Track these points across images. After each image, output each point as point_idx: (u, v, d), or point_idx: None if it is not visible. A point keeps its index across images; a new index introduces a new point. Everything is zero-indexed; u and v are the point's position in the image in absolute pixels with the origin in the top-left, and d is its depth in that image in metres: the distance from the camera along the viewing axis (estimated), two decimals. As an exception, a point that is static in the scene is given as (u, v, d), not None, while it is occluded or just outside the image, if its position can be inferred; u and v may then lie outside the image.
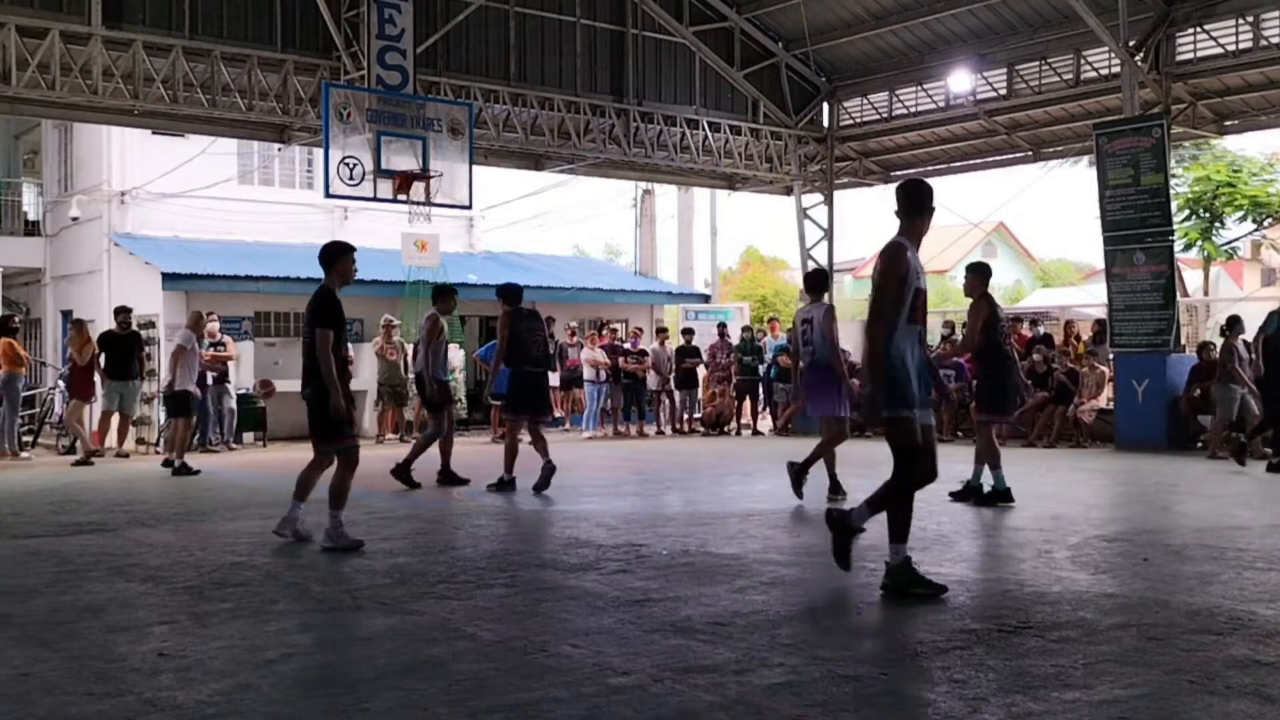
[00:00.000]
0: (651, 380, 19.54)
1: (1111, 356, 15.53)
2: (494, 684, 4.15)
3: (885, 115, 19.82)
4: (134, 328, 15.69)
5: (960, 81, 18.12)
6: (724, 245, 50.06)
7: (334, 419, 7.27)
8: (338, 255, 7.60)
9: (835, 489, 9.34)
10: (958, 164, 20.60)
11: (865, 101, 20.09)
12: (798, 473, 9.44)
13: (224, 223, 20.96)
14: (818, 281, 9.93)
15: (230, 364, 16.69)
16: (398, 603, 5.67)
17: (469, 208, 17.45)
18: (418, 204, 15.67)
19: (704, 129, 19.17)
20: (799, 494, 9.27)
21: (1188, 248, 26.73)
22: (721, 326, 20.51)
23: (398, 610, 5.51)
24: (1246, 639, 4.67)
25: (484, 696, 4.00)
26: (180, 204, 20.62)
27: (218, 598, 5.77)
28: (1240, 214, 26.46)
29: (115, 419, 15.51)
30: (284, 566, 6.72)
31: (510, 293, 10.55)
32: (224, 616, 5.33)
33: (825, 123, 20.60)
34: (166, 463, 13.18)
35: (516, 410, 10.61)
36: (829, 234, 20.57)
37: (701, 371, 20.03)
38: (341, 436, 7.41)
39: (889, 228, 5.85)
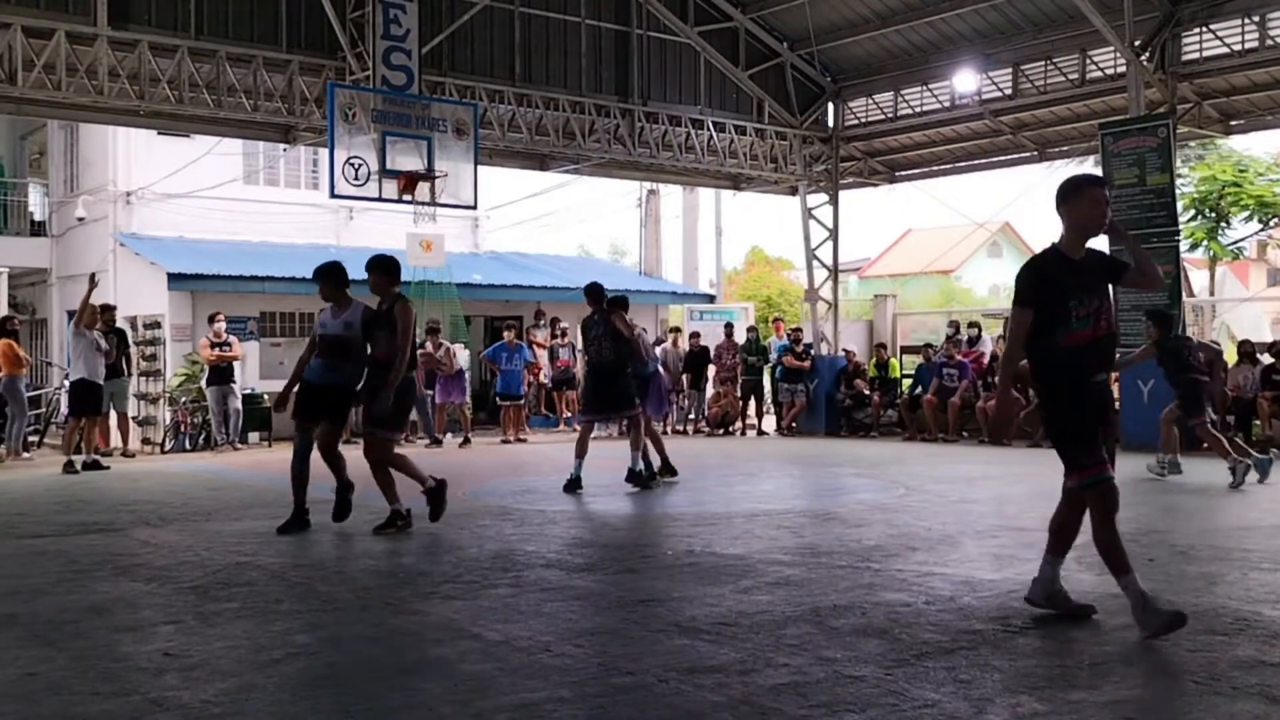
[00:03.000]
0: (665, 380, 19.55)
1: (1116, 356, 15.50)
2: (499, 684, 4.15)
3: (890, 115, 19.80)
4: (118, 325, 15.77)
5: (965, 81, 18.10)
6: (729, 245, 50.11)
7: (1067, 439, 4.93)
8: (1072, 191, 5.12)
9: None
10: (963, 164, 20.57)
11: (870, 101, 20.06)
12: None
13: (229, 223, 20.98)
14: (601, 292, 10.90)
15: (236, 364, 16.71)
16: (403, 602, 5.67)
17: (474, 208, 17.45)
18: (423, 204, 15.68)
19: (709, 129, 19.16)
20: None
21: (1193, 248, 26.67)
22: (728, 327, 20.52)
23: (403, 610, 5.51)
24: (1252, 639, 4.66)
25: (489, 696, 4.00)
26: (186, 204, 20.64)
27: (223, 597, 5.78)
28: (1246, 214, 26.38)
29: (114, 419, 15.58)
30: (289, 566, 6.73)
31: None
32: (229, 616, 5.34)
33: (830, 123, 20.57)
34: (69, 465, 13.12)
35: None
36: (834, 234, 20.55)
37: (710, 370, 20.05)
38: (1086, 462, 5.07)
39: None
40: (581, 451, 10.52)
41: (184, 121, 15.92)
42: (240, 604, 5.61)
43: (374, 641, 4.91)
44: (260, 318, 19.51)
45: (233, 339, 16.68)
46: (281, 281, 18.86)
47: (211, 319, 16.53)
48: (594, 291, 10.87)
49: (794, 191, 20.95)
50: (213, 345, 16.29)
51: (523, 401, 18.32)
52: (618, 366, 10.65)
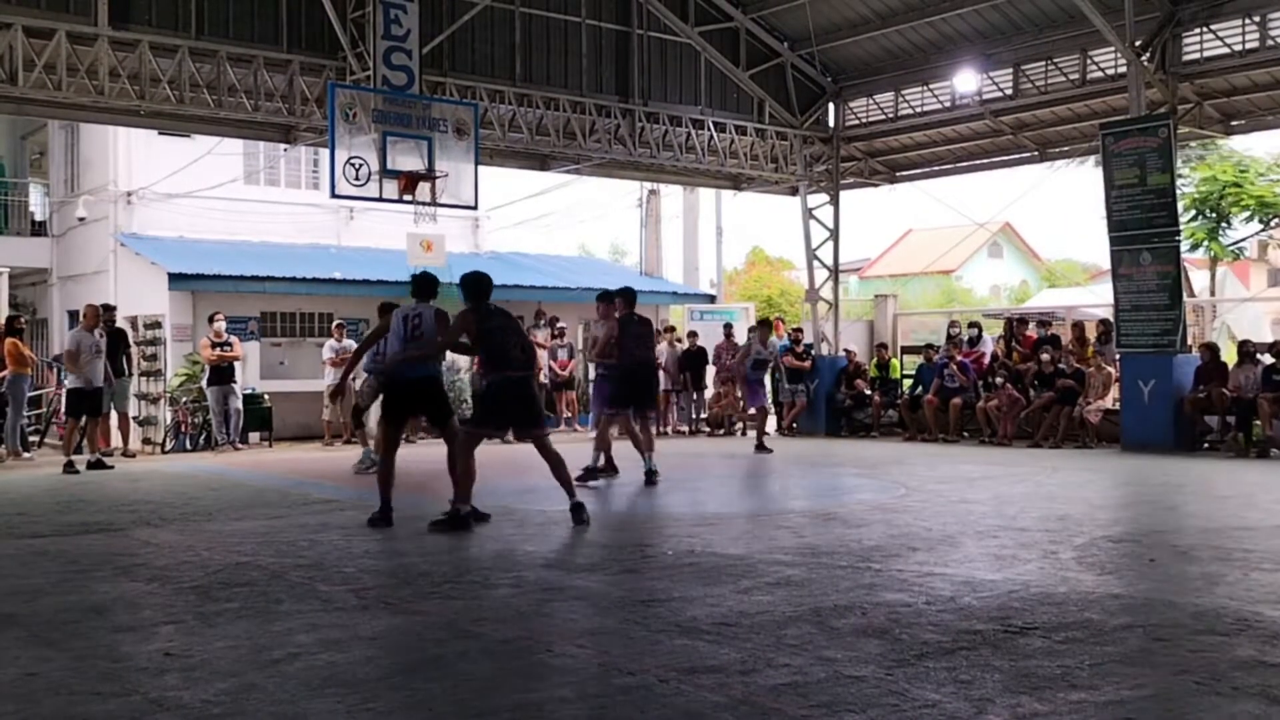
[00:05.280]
0: (662, 380, 19.54)
1: (1118, 357, 15.51)
2: (499, 684, 4.15)
3: (891, 115, 19.79)
4: (118, 325, 15.81)
5: (966, 81, 18.08)
6: (729, 245, 49.98)
7: None
8: None
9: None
10: (963, 164, 20.55)
11: (871, 102, 20.05)
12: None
13: (230, 223, 20.98)
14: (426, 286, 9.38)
15: (237, 364, 16.71)
16: (403, 603, 5.67)
17: (474, 208, 17.45)
18: (423, 204, 15.67)
19: (709, 129, 19.15)
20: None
21: (1194, 248, 26.66)
22: (728, 327, 20.52)
23: (403, 610, 5.51)
24: (1253, 640, 4.66)
25: (489, 696, 4.00)
26: (186, 204, 20.64)
27: (223, 598, 5.78)
28: (1247, 214, 26.38)
29: (114, 419, 15.59)
30: (289, 566, 6.73)
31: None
32: (230, 616, 5.35)
33: (831, 123, 20.57)
34: (69, 466, 13.05)
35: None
36: (834, 234, 20.55)
37: (709, 371, 20.05)
38: None
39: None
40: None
41: (184, 121, 15.92)
42: (241, 604, 5.61)
43: (374, 641, 4.91)
44: (261, 318, 19.51)
45: (233, 339, 16.68)
46: (282, 281, 18.87)
47: (212, 319, 16.53)
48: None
49: (794, 192, 20.94)
50: (213, 345, 16.29)
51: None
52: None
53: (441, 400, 8.87)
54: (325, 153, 16.08)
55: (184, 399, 17.23)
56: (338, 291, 19.38)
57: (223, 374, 16.31)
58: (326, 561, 6.92)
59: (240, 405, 16.67)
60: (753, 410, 16.62)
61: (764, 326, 16.42)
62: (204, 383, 16.62)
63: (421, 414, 9.11)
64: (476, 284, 8.64)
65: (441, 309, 8.70)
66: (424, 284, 8.91)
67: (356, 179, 14.67)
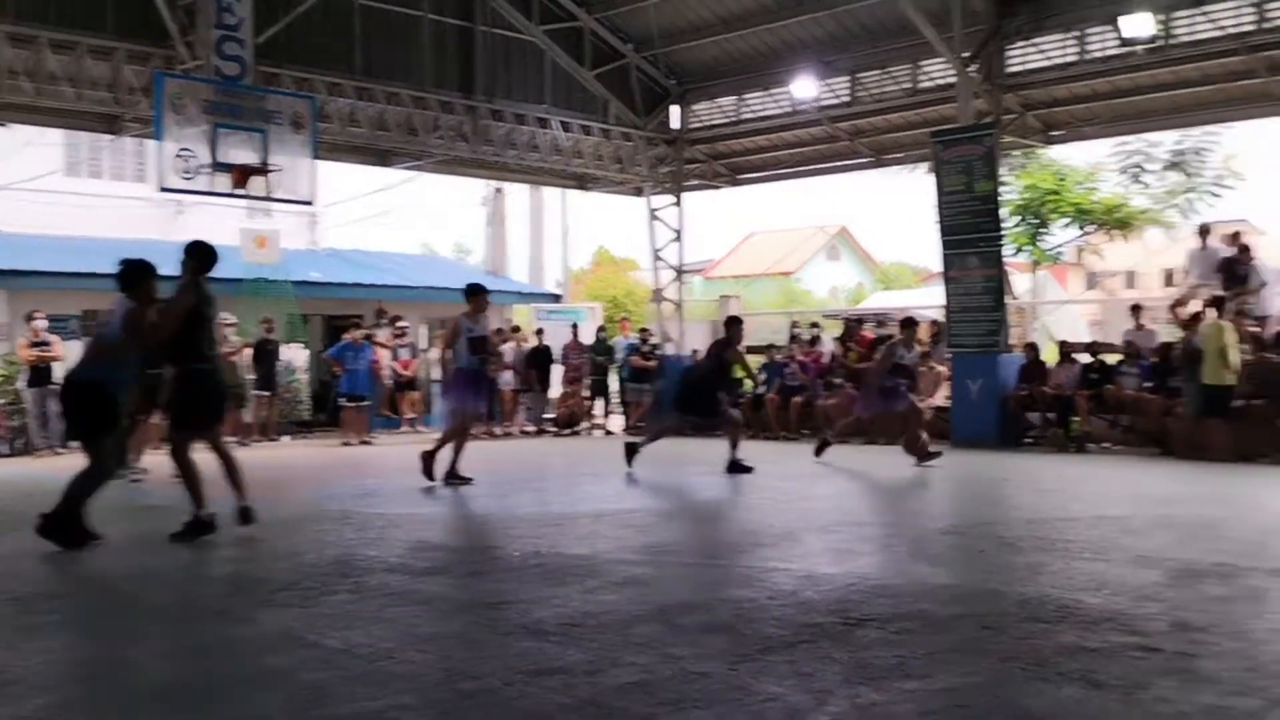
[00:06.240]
0: (508, 379, 19.38)
1: (948, 357, 16.08)
2: (338, 693, 4.04)
3: (733, 119, 20.10)
4: None
5: (804, 88, 18.47)
6: (575, 245, 50.03)
7: None
8: None
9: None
10: (803, 168, 21.02)
11: (714, 105, 20.33)
12: None
13: (50, 217, 19.96)
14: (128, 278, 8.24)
15: (57, 364, 15.87)
16: (236, 612, 5.47)
17: (311, 204, 17.02)
18: (257, 199, 15.19)
19: (554, 128, 19.12)
20: None
21: (1017, 252, 27.83)
22: (575, 327, 20.52)
23: (236, 619, 5.32)
24: (1074, 626, 4.87)
25: (327, 705, 3.89)
26: (2, 197, 19.56)
27: (44, 610, 5.48)
28: (1065, 220, 27.68)
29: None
30: (117, 577, 6.43)
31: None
32: (50, 629, 5.07)
33: (674, 125, 20.77)
34: None
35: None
36: (679, 235, 20.76)
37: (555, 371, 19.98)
38: None
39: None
40: None
41: (1, 110, 15.07)
42: (63, 616, 5.34)
43: (205, 652, 4.72)
44: (83, 316, 18.56)
45: (53, 338, 15.85)
46: (106, 279, 17.91)
47: (30, 317, 15.68)
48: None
49: (639, 192, 21.08)
50: (31, 344, 15.47)
51: (368, 402, 17.90)
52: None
53: (91, 410, 7.50)
54: (152, 144, 15.43)
55: (0, 401, 16.28)
56: (166, 290, 18.60)
57: (42, 375, 15.48)
58: (155, 570, 6.64)
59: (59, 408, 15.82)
60: (858, 417, 13.77)
61: (909, 326, 13.17)
62: (22, 384, 15.75)
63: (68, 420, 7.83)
64: (209, 255, 7.78)
65: (133, 306, 7.70)
66: (126, 276, 7.86)
67: (186, 172, 14.13)
